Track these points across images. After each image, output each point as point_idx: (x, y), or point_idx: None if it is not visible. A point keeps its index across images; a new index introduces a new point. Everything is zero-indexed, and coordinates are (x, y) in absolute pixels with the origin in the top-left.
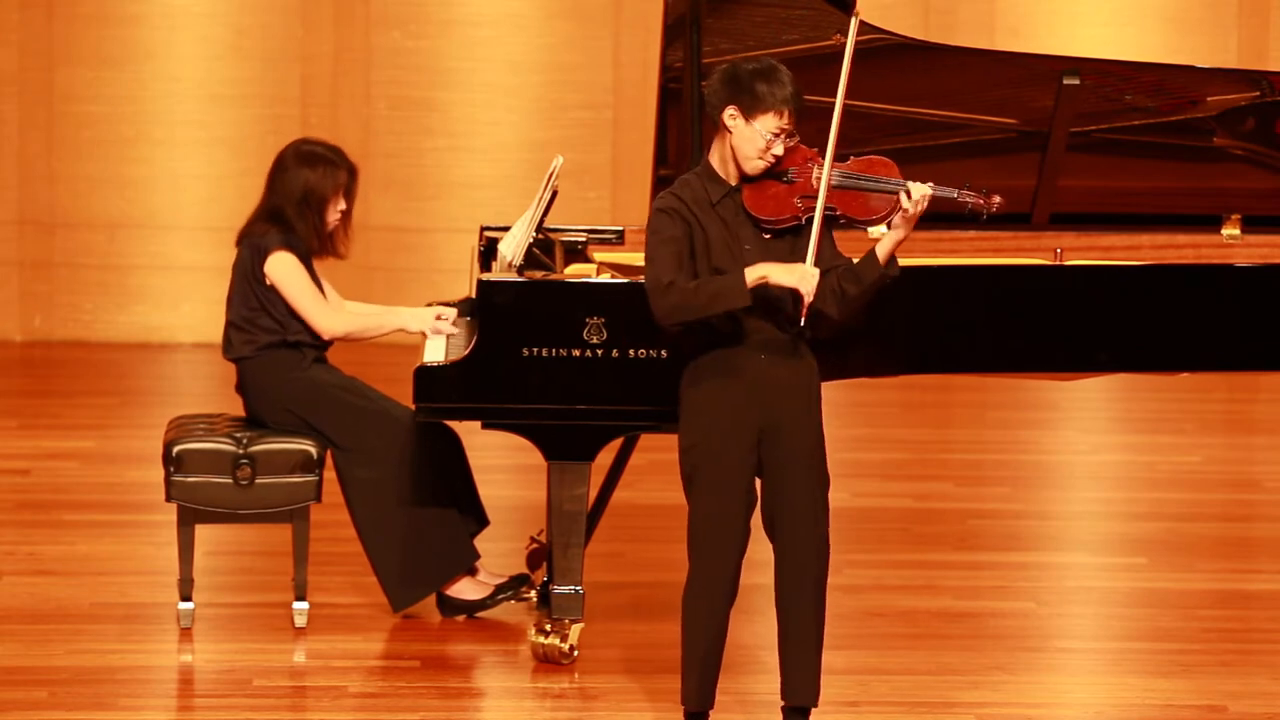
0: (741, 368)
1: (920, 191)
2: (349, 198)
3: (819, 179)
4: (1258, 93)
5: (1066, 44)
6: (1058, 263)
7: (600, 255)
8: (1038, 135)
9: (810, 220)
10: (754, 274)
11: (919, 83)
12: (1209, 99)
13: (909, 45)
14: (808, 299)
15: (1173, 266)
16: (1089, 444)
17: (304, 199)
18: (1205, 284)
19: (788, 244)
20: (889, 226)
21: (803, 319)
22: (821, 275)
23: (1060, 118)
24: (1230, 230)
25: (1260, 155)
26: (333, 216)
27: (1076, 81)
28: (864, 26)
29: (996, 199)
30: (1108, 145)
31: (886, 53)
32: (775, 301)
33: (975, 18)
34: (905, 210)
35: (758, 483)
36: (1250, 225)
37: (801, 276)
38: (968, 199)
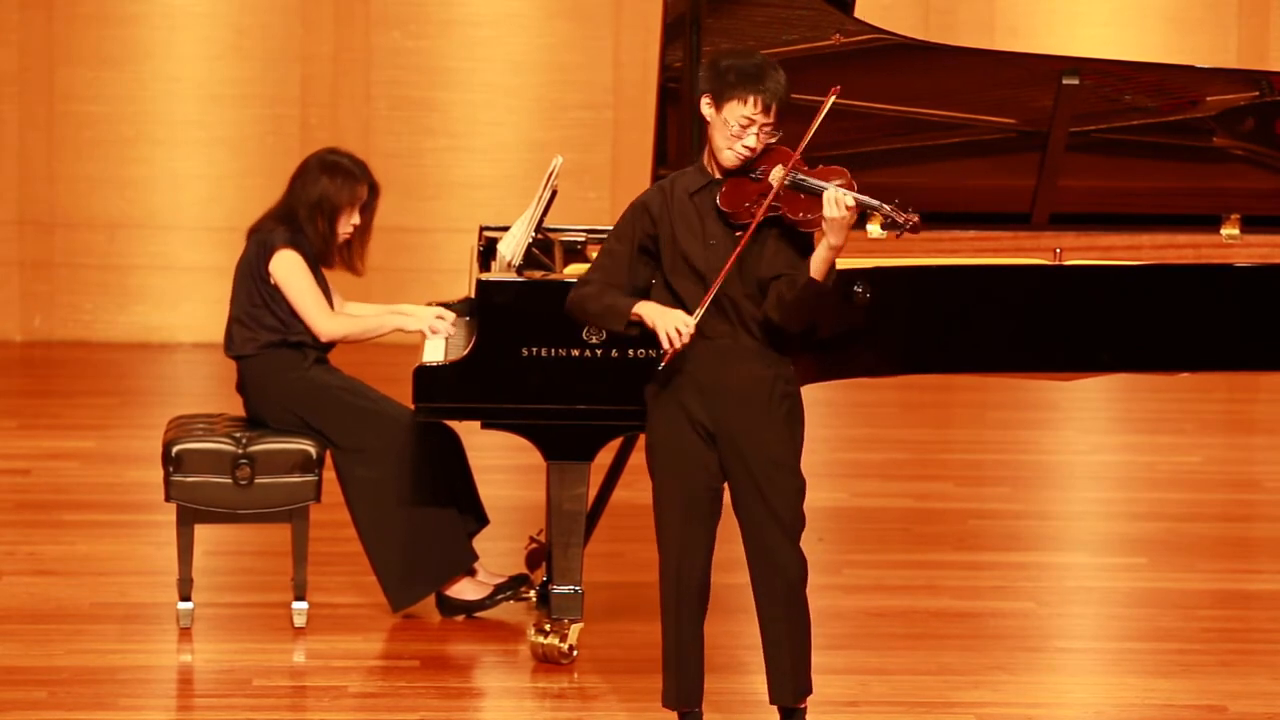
0: (697, 371)
1: (842, 199)
2: (365, 213)
3: (777, 179)
4: (1258, 93)
5: (1066, 44)
6: (1058, 263)
7: None
8: (1037, 135)
9: (765, 221)
10: (638, 309)
11: (919, 83)
12: (1209, 99)
13: (909, 45)
14: (666, 347)
15: (1173, 266)
16: (1089, 444)
17: (317, 206)
18: (1205, 284)
19: (756, 241)
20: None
21: (661, 365)
22: (772, 279)
23: (1060, 118)
24: (1230, 230)
25: (1260, 155)
26: (344, 229)
27: (1076, 81)
28: (864, 26)
29: (914, 218)
30: (1108, 145)
31: (886, 53)
32: (743, 306)
33: (975, 18)
34: (824, 214)
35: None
36: (1250, 225)
37: (668, 323)
38: (891, 214)
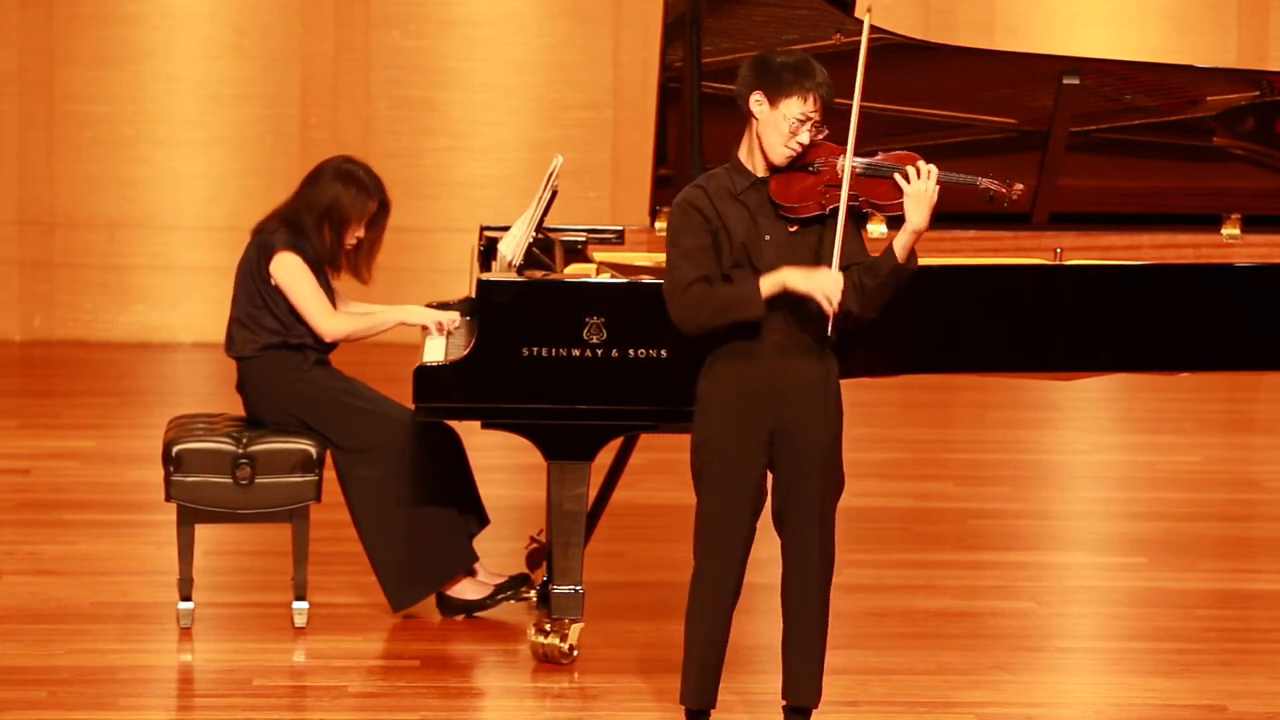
0: (756, 367)
1: (925, 169)
2: (373, 228)
3: (844, 168)
4: (1258, 93)
5: (1066, 44)
6: (1058, 263)
7: (600, 255)
8: (1037, 135)
9: (835, 211)
10: (771, 281)
11: (919, 83)
12: (1209, 99)
13: (909, 45)
14: (830, 309)
15: (1173, 266)
16: (1089, 444)
17: (326, 213)
18: (1205, 284)
19: (814, 235)
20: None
21: (829, 329)
22: (843, 270)
23: (1060, 117)
24: (1230, 230)
25: (1260, 155)
26: (349, 240)
27: (1076, 81)
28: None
29: (1019, 187)
30: (1108, 145)
31: (886, 53)
32: (798, 303)
33: (975, 18)
34: (906, 190)
35: (771, 478)
36: (1250, 225)
37: (822, 283)
38: (990, 186)
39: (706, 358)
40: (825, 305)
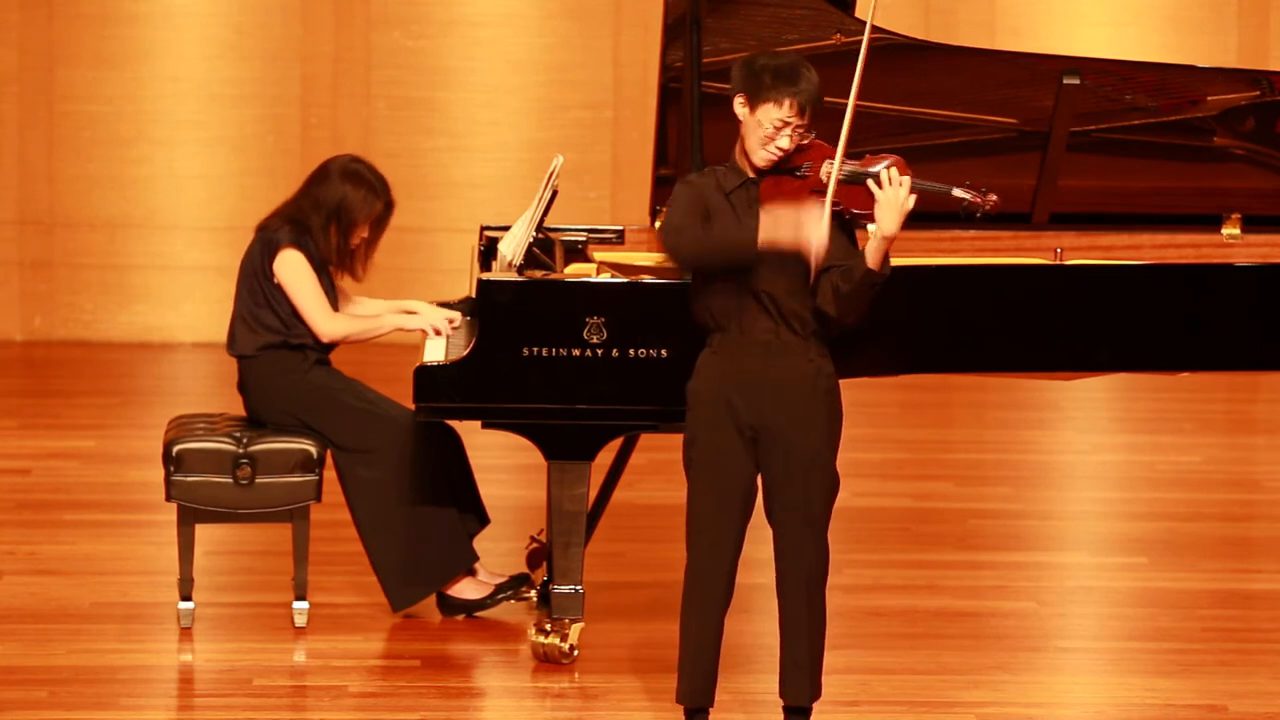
0: (742, 366)
1: (896, 178)
2: (376, 228)
3: (829, 175)
4: (1258, 92)
5: (1066, 44)
6: (1058, 263)
7: (600, 255)
8: (1038, 135)
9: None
10: (765, 234)
11: (919, 83)
12: (1209, 99)
13: (909, 45)
14: (813, 261)
15: (1173, 266)
16: (1089, 444)
17: (335, 213)
18: (1205, 284)
19: None
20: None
21: (811, 277)
22: (824, 273)
23: (1060, 118)
24: (1230, 230)
25: (1260, 155)
26: (355, 241)
27: (1076, 81)
28: (864, 26)
29: (993, 198)
30: (1108, 145)
31: (886, 53)
32: (788, 304)
33: (975, 18)
34: (878, 197)
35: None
36: (1250, 225)
37: (808, 239)
38: (963, 196)
39: (698, 355)
40: (811, 259)
